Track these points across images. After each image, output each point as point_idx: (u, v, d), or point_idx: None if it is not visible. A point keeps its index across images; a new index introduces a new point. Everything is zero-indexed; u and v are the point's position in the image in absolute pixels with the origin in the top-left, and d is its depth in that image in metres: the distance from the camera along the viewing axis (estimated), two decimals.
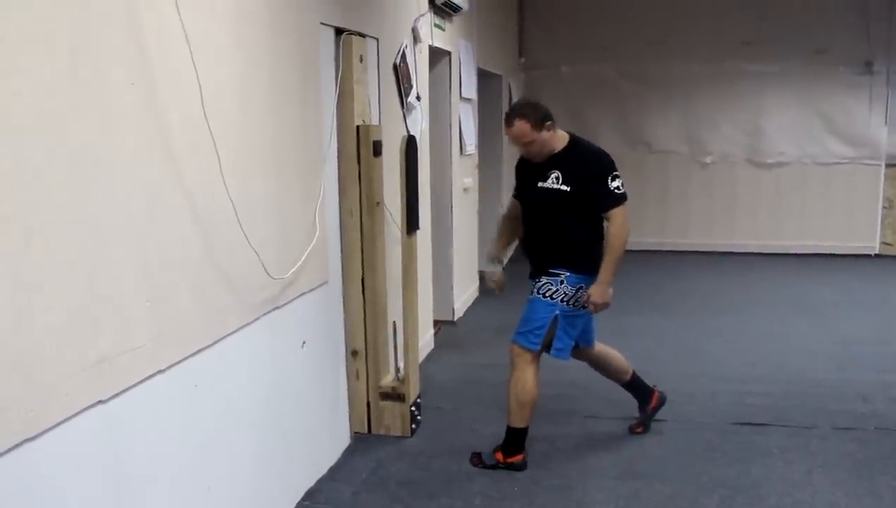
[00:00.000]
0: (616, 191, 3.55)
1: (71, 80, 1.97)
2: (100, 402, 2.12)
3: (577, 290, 3.62)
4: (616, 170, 3.59)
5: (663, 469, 3.74)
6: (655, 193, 9.16)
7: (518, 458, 3.72)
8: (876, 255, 9.04)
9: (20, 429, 1.85)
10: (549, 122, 3.58)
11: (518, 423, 3.71)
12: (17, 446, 1.84)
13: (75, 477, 2.06)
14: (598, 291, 3.57)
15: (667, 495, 3.48)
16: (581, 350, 3.93)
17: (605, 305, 3.62)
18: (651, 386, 4.16)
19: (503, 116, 7.81)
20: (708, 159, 9.23)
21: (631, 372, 4.08)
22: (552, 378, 4.20)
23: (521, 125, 3.55)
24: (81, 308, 2.03)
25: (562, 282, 3.62)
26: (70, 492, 2.04)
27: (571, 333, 3.71)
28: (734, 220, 9.26)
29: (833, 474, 3.67)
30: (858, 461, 3.81)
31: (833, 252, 9.03)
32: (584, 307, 3.65)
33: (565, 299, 3.63)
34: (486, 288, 3.96)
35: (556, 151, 3.63)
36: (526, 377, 3.67)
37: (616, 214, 3.55)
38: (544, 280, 3.66)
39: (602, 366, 4.05)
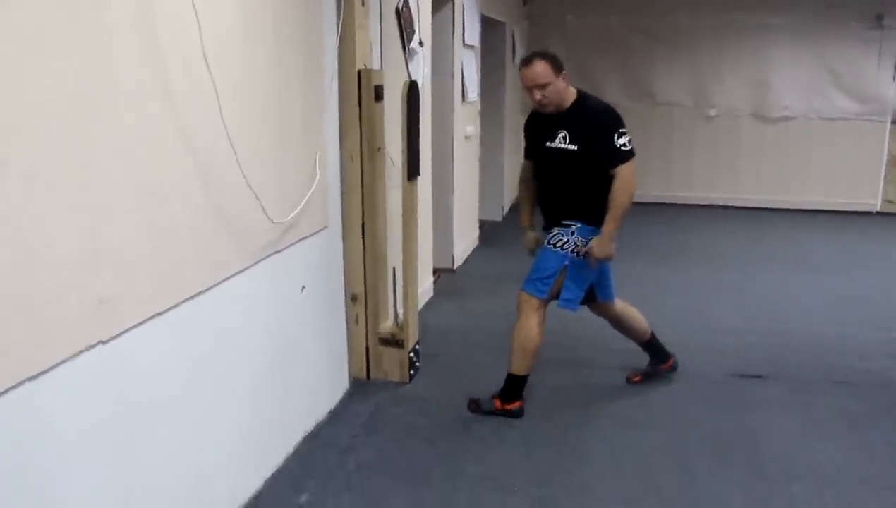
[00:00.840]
0: (623, 148, 3.51)
1: (70, 16, 1.93)
2: (101, 343, 2.12)
3: (587, 242, 3.61)
4: (623, 127, 3.54)
5: (659, 419, 3.77)
6: (659, 146, 9.11)
7: (516, 405, 3.74)
8: (878, 213, 9.02)
9: (23, 368, 1.85)
10: (564, 72, 3.56)
11: (519, 370, 3.73)
12: (20, 384, 1.84)
13: (78, 416, 2.07)
14: (599, 243, 3.56)
15: (662, 443, 3.52)
16: (601, 305, 3.94)
17: (607, 258, 3.61)
18: (669, 352, 4.17)
19: (507, 63, 7.85)
20: (712, 112, 9.16)
21: (650, 332, 4.09)
22: (551, 327, 4.20)
23: (541, 65, 3.49)
24: (83, 249, 2.02)
25: (573, 233, 3.62)
26: (73, 431, 2.05)
27: (581, 284, 3.70)
28: (738, 174, 9.22)
29: (828, 428, 3.70)
30: (853, 415, 3.83)
31: (836, 208, 9.01)
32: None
33: (576, 249, 3.62)
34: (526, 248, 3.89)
35: (564, 108, 3.59)
36: (531, 324, 3.68)
37: (622, 170, 3.51)
38: (556, 231, 3.66)
39: (622, 324, 4.05)
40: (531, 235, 3.95)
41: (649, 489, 3.14)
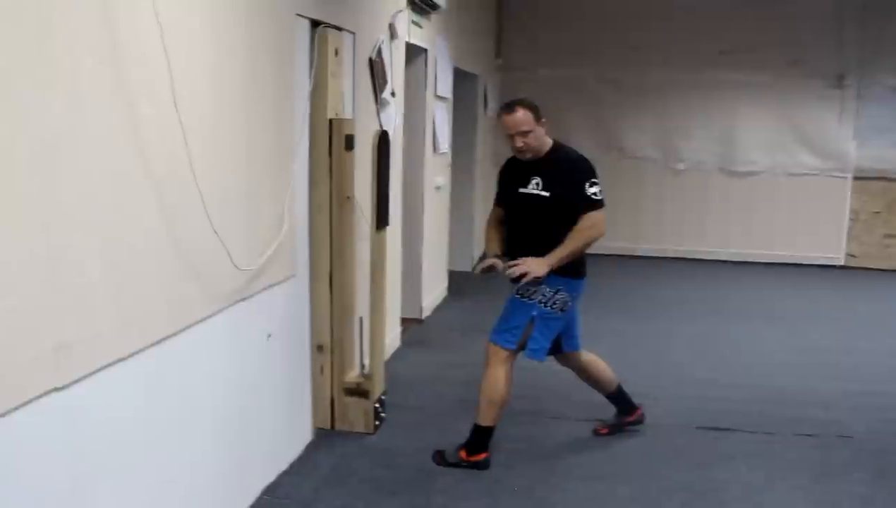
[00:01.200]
0: (593, 196, 3.55)
1: (39, 57, 1.93)
2: (55, 390, 2.07)
3: (555, 292, 3.62)
4: (595, 177, 3.59)
5: (626, 471, 3.75)
6: (628, 199, 9.20)
7: (481, 457, 3.71)
8: (841, 267, 9.16)
9: None
10: (544, 119, 3.64)
11: (485, 421, 3.71)
12: None
13: (30, 464, 2.01)
14: (537, 263, 3.51)
15: (628, 497, 3.50)
16: (567, 355, 3.96)
17: (532, 277, 3.51)
18: (635, 403, 4.16)
19: (479, 115, 7.94)
20: (681, 166, 9.31)
21: (616, 383, 4.09)
22: (518, 378, 4.19)
23: (523, 113, 3.56)
24: (40, 293, 1.99)
25: (541, 284, 3.61)
26: (24, 477, 2.00)
27: (548, 335, 3.70)
28: (705, 228, 9.34)
29: (794, 480, 3.70)
30: (819, 467, 3.85)
31: (800, 262, 9.14)
32: (562, 310, 3.65)
33: (543, 300, 3.62)
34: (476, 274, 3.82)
35: (541, 155, 3.64)
36: (498, 376, 3.67)
37: (592, 215, 3.54)
38: (527, 283, 3.64)
39: (588, 375, 4.05)
40: (493, 259, 3.73)
41: None
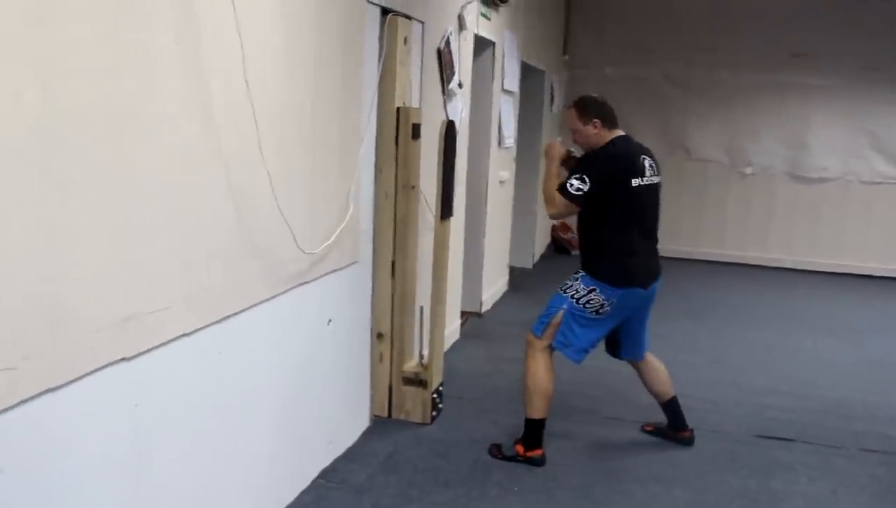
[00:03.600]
0: (569, 186, 3.48)
1: (117, 33, 1.96)
2: (123, 360, 2.11)
3: (588, 292, 3.56)
4: (587, 173, 3.48)
5: (683, 476, 3.68)
6: (692, 201, 9.06)
7: (537, 453, 3.68)
8: None
9: (44, 379, 1.85)
10: (596, 119, 3.58)
11: (533, 414, 3.68)
12: (40, 394, 1.84)
13: (95, 431, 2.06)
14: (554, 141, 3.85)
15: (686, 501, 3.43)
16: (635, 361, 3.94)
17: (548, 144, 3.82)
18: (688, 424, 4.05)
19: (545, 111, 7.89)
20: (748, 170, 9.10)
21: (671, 396, 3.99)
22: (574, 377, 4.16)
23: (569, 113, 3.72)
24: (114, 264, 2.03)
25: (577, 280, 3.61)
26: (89, 445, 2.05)
27: (578, 332, 3.62)
28: (770, 234, 9.12)
29: (857, 496, 3.59)
30: (884, 484, 3.72)
31: (870, 273, 8.85)
32: (597, 313, 3.59)
33: (576, 295, 3.59)
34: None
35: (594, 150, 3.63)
36: (537, 366, 3.66)
37: (556, 192, 3.53)
38: (571, 277, 3.66)
39: (644, 379, 3.99)
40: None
41: None
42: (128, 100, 2.03)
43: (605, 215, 3.55)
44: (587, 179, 3.47)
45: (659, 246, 3.81)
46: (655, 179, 3.66)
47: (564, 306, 3.60)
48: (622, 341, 3.86)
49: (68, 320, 1.90)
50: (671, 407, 4.02)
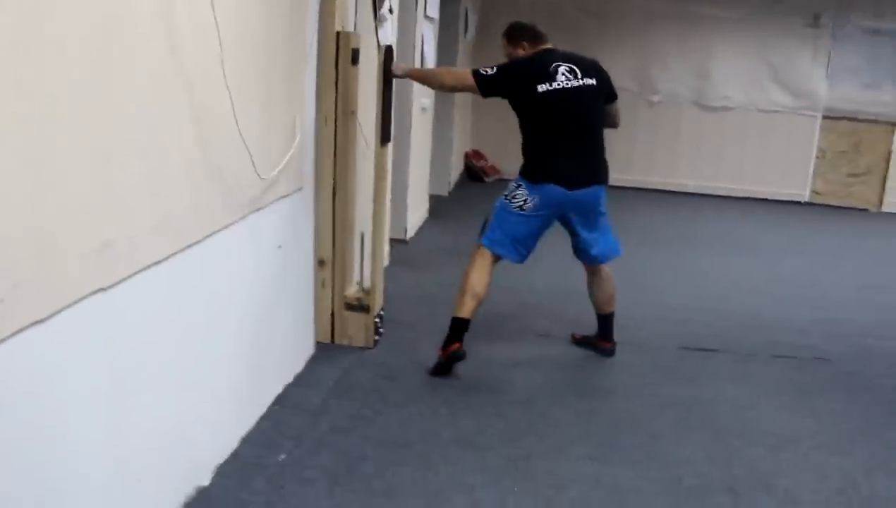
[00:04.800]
0: (481, 69, 3.80)
1: None
2: (101, 290, 2.08)
3: (516, 188, 3.83)
4: (496, 66, 3.80)
5: (620, 387, 3.90)
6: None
7: (454, 347, 3.78)
8: (806, 203, 9.41)
9: (32, 311, 1.80)
10: (523, 42, 3.92)
11: (457, 312, 3.82)
12: (28, 327, 1.79)
13: (78, 362, 2.03)
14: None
15: (625, 410, 3.64)
16: (588, 267, 4.14)
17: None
18: (612, 337, 4.26)
19: (460, 37, 7.87)
20: (655, 98, 9.38)
21: (611, 311, 4.19)
22: (505, 298, 4.30)
23: (503, 40, 3.98)
24: (91, 189, 1.98)
25: (512, 182, 3.90)
26: (73, 376, 2.01)
27: (504, 228, 3.85)
28: (676, 160, 9.48)
29: (777, 397, 3.88)
30: (799, 386, 4.04)
31: (768, 197, 9.36)
32: (521, 208, 3.80)
33: (506, 192, 3.87)
34: None
35: None
36: (472, 267, 3.86)
37: (466, 70, 3.90)
38: None
39: (593, 285, 4.17)
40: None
41: (616, 450, 3.25)
42: (101, 19, 1.94)
43: (522, 119, 3.84)
44: (495, 68, 3.79)
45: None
46: (576, 83, 3.81)
47: (497, 204, 3.86)
48: (577, 244, 4.06)
49: (51, 248, 1.85)
50: (605, 319, 4.23)
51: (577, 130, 3.87)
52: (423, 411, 3.51)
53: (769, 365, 4.30)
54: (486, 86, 3.77)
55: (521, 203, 3.79)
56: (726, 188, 9.40)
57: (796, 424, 3.60)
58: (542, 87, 3.73)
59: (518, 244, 3.88)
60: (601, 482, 2.99)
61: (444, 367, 3.81)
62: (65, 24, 1.81)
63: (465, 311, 3.81)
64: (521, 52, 3.87)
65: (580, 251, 4.06)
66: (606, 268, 4.12)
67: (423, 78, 4.29)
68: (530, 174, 3.82)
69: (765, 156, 9.35)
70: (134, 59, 2.09)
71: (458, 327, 3.82)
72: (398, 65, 4.02)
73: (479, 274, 3.83)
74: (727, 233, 7.72)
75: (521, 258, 3.94)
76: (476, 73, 3.79)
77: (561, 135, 3.82)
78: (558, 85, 3.75)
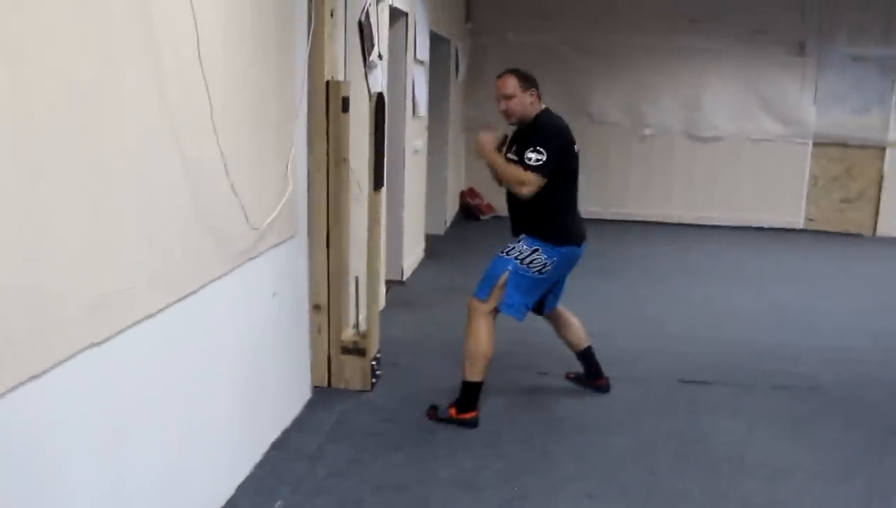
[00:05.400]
0: (527, 160, 3.62)
1: (78, 12, 1.94)
2: (93, 345, 2.11)
3: (532, 251, 3.74)
4: (542, 146, 3.61)
5: (618, 422, 3.91)
6: (595, 163, 9.29)
7: (471, 415, 3.80)
8: (801, 230, 9.46)
9: (27, 367, 1.84)
10: (532, 89, 3.78)
11: (471, 377, 3.81)
12: (24, 382, 1.83)
13: (74, 416, 2.06)
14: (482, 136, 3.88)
15: (624, 446, 3.65)
16: (548, 317, 4.14)
17: (477, 142, 3.88)
18: (603, 372, 4.26)
19: (451, 78, 7.99)
20: (647, 131, 9.48)
21: (586, 345, 4.20)
22: (503, 337, 4.30)
23: (510, 79, 3.77)
24: (83, 246, 2.03)
25: (519, 242, 3.78)
26: (69, 430, 2.05)
27: (522, 292, 3.79)
28: (670, 192, 9.55)
29: (773, 428, 3.90)
30: (794, 416, 4.05)
31: (762, 225, 9.42)
32: (539, 272, 3.76)
33: (519, 256, 3.75)
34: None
35: (527, 122, 3.77)
36: (479, 331, 3.77)
37: (527, 172, 3.61)
38: (511, 241, 3.82)
39: (560, 332, 4.19)
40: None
41: (614, 487, 3.27)
42: (90, 82, 2.01)
43: (555, 181, 3.68)
44: (543, 151, 3.60)
45: None
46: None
47: (509, 267, 3.74)
48: (546, 298, 4.03)
49: (44, 305, 1.89)
50: (586, 356, 4.24)
51: (576, 188, 3.93)
52: (421, 453, 3.52)
53: (766, 395, 4.32)
54: (547, 172, 3.62)
55: (540, 267, 3.75)
56: (721, 218, 9.47)
57: (794, 454, 3.61)
58: (575, 148, 3.80)
59: (530, 306, 3.90)
60: None
61: (450, 423, 3.80)
62: (54, 86, 1.88)
63: (479, 375, 3.81)
64: (528, 98, 3.73)
65: (549, 301, 4.07)
66: (561, 308, 4.16)
67: (499, 166, 3.81)
68: (556, 237, 3.75)
69: (758, 184, 9.43)
70: (123, 118, 2.15)
71: (474, 392, 3.82)
72: (486, 139, 3.86)
73: (488, 338, 3.78)
74: (723, 263, 7.76)
75: (525, 316, 3.92)
76: (533, 169, 3.59)
77: (572, 195, 3.88)
78: (577, 146, 3.83)
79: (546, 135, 3.69)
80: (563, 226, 3.82)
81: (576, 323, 4.18)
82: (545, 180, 3.64)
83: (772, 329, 5.56)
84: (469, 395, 3.83)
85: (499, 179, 3.86)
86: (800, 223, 9.47)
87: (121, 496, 2.31)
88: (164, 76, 2.35)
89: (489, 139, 3.85)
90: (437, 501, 3.11)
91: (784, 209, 9.45)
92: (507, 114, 3.78)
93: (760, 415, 4.04)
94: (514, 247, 3.78)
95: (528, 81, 3.75)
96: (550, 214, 3.77)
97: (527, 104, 3.74)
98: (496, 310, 3.79)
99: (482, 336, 3.77)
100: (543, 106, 3.83)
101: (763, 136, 9.34)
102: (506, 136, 3.96)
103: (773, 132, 9.32)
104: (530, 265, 3.74)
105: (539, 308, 4.06)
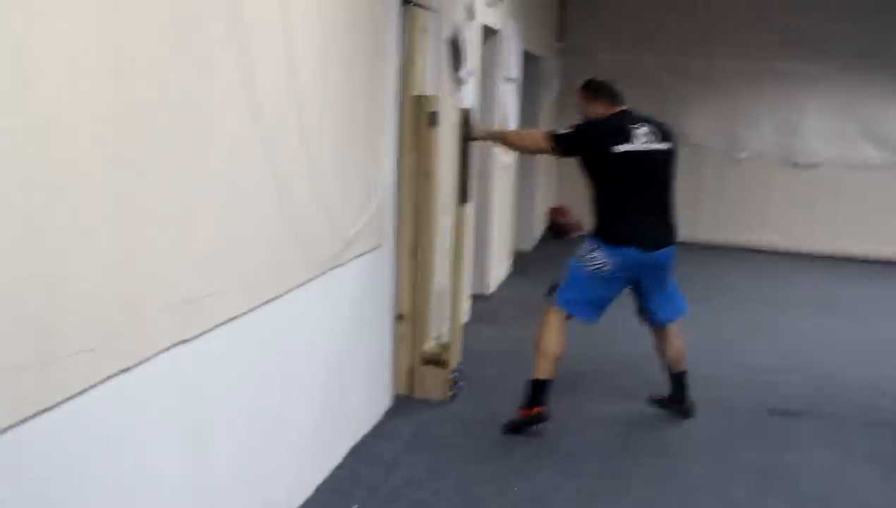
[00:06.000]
0: (556, 128, 3.85)
1: (175, 31, 2.04)
2: (183, 342, 2.20)
3: (591, 250, 3.77)
4: (574, 126, 3.82)
5: (698, 450, 3.82)
6: (688, 187, 9.05)
7: (538, 409, 3.79)
8: None
9: (120, 359, 1.93)
10: (599, 99, 3.87)
11: (537, 374, 3.82)
12: (115, 374, 1.92)
13: (162, 410, 2.15)
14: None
15: (702, 475, 3.56)
16: (653, 329, 4.11)
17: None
18: (690, 398, 4.18)
19: (542, 97, 7.99)
20: (742, 155, 9.24)
21: (682, 369, 4.13)
22: (592, 354, 4.29)
23: (578, 94, 3.97)
24: (176, 249, 2.12)
25: (584, 241, 3.87)
26: (156, 424, 2.14)
27: (577, 288, 3.80)
28: (765, 218, 9.26)
29: (865, 466, 3.73)
30: (891, 455, 3.87)
31: (863, 256, 9.03)
32: (598, 271, 3.75)
33: (580, 252, 3.81)
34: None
35: None
36: (545, 327, 3.83)
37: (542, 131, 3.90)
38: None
39: (662, 344, 4.13)
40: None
41: None
42: (187, 93, 2.11)
43: (596, 179, 3.80)
44: (571, 127, 3.80)
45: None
46: (655, 146, 3.79)
47: (572, 264, 3.82)
48: (646, 306, 4.01)
49: (139, 303, 1.99)
50: (678, 379, 4.16)
51: (653, 191, 3.88)
52: (497, 467, 3.52)
53: (859, 432, 4.13)
54: (562, 145, 3.80)
55: (599, 265, 3.75)
56: (819, 247, 9.11)
57: (885, 495, 3.45)
58: (619, 148, 3.71)
59: (593, 305, 3.87)
60: None
61: (522, 427, 3.82)
62: (154, 98, 1.97)
63: (546, 373, 3.82)
64: (598, 108, 3.82)
65: (647, 313, 4.02)
66: (674, 327, 4.08)
67: (501, 140, 4.37)
68: (608, 236, 3.76)
69: (859, 213, 9.03)
70: (213, 127, 2.24)
71: (541, 389, 3.83)
72: (476, 127, 4.11)
73: (556, 336, 3.81)
74: (819, 294, 7.47)
75: (594, 319, 3.91)
76: (552, 134, 3.83)
77: (637, 196, 3.81)
78: (637, 147, 3.74)
79: (584, 123, 3.86)
80: (619, 227, 3.78)
81: (678, 344, 4.11)
82: (561, 150, 3.86)
83: (869, 363, 5.32)
84: (535, 392, 3.82)
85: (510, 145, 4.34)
86: None
87: (203, 489, 2.39)
88: (255, 88, 2.44)
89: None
90: None
91: (887, 240, 9.03)
92: None
93: (852, 452, 3.87)
94: (580, 246, 3.86)
95: (596, 91, 3.88)
96: (602, 215, 3.81)
97: (597, 114, 3.84)
98: (564, 311, 3.82)
99: (548, 333, 3.82)
100: (621, 108, 3.85)
101: (866, 163, 8.96)
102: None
103: (876, 159, 8.94)
104: (589, 263, 3.77)
105: (643, 315, 4.05)
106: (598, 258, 3.74)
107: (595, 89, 3.87)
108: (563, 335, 3.84)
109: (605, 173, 3.79)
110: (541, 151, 4.07)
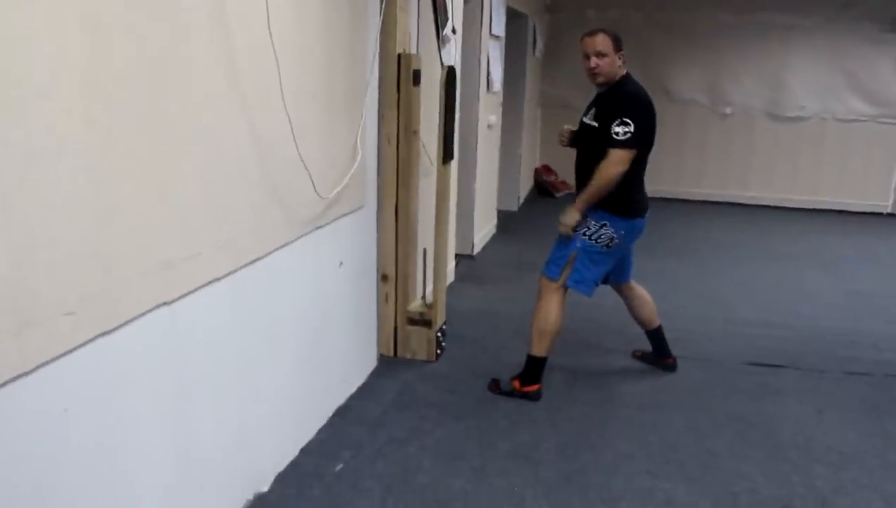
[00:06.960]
0: (615, 135, 3.53)
1: None
2: (164, 304, 2.21)
3: (599, 227, 3.69)
4: (629, 117, 3.52)
5: (680, 402, 3.87)
6: (673, 142, 9.16)
7: (534, 388, 3.84)
8: (888, 214, 9.11)
9: (99, 322, 1.94)
10: (622, 52, 3.70)
11: (537, 352, 3.83)
12: (95, 338, 1.93)
13: (144, 373, 2.17)
14: (568, 215, 3.70)
15: (683, 426, 3.62)
16: (616, 285, 4.11)
17: (566, 229, 3.71)
18: (671, 352, 4.25)
19: (528, 55, 7.94)
20: (728, 110, 9.24)
21: (657, 324, 4.19)
22: (574, 313, 4.30)
23: (603, 37, 3.66)
24: (153, 210, 2.11)
25: (587, 218, 3.72)
26: (137, 386, 2.15)
27: (591, 268, 3.76)
28: (749, 172, 9.31)
29: (844, 415, 3.80)
30: (869, 404, 3.94)
31: (846, 208, 9.10)
32: (607, 246, 3.73)
33: (587, 232, 3.71)
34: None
35: (610, 84, 3.69)
36: (549, 307, 3.78)
37: (611, 153, 3.55)
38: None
39: (631, 308, 4.17)
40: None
41: (673, 465, 3.25)
42: (161, 51, 2.09)
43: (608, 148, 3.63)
44: (630, 122, 3.52)
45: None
46: None
47: (577, 245, 3.72)
48: (622, 269, 4.04)
49: (116, 265, 1.99)
50: (656, 335, 4.21)
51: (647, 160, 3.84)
52: (481, 424, 3.57)
53: (839, 381, 4.21)
54: (636, 148, 3.56)
55: (608, 241, 3.72)
56: (803, 200, 9.18)
57: (863, 442, 3.52)
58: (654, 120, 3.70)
59: (598, 281, 3.88)
60: (654, 496, 3.00)
61: (512, 396, 3.84)
62: (127, 56, 1.95)
63: (546, 351, 3.84)
64: (619, 61, 3.66)
65: (622, 273, 4.05)
66: (636, 284, 4.12)
67: (596, 197, 3.65)
68: (624, 210, 3.69)
69: (843, 166, 9.09)
70: (191, 86, 2.23)
71: (540, 366, 3.85)
72: (569, 211, 3.71)
73: (560, 314, 3.80)
74: (804, 246, 7.54)
75: (594, 291, 3.90)
76: (623, 147, 3.52)
77: (644, 164, 3.77)
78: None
79: (634, 106, 3.60)
80: (633, 199, 3.75)
81: (649, 300, 4.15)
82: (634, 152, 3.56)
83: (849, 315, 5.40)
84: (533, 369, 3.85)
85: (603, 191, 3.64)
86: (887, 207, 9.11)
87: (188, 452, 2.42)
88: (233, 46, 2.42)
89: (569, 222, 3.71)
90: (493, 472, 3.15)
91: (871, 192, 9.10)
92: (595, 73, 3.65)
93: (831, 402, 3.94)
94: (581, 222, 3.72)
95: (618, 42, 3.67)
96: (623, 188, 3.65)
97: (616, 65, 3.66)
98: (566, 288, 3.80)
99: (553, 313, 3.79)
100: (626, 71, 3.74)
101: (850, 116, 8.99)
102: (572, 132, 3.93)
103: (861, 112, 8.96)
104: (598, 240, 3.71)
105: (605, 278, 4.02)
106: (607, 234, 3.70)
107: (618, 40, 3.69)
108: (564, 312, 3.83)
109: (642, 148, 3.65)
110: (620, 167, 3.58)
